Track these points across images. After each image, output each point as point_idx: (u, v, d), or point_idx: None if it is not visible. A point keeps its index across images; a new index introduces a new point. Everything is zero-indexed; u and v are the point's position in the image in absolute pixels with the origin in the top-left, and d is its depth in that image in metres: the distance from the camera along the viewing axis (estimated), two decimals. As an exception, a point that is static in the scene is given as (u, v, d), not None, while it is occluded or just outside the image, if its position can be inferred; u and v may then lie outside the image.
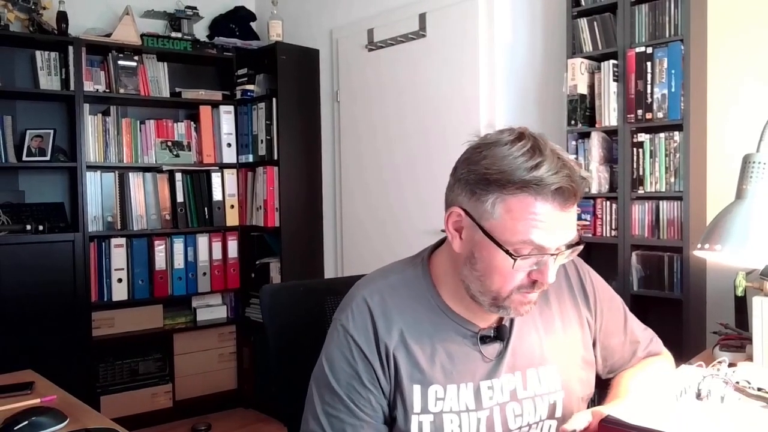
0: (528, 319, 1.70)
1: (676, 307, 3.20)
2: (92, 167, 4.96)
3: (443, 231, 1.62)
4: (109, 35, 5.04)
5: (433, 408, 1.60)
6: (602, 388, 1.92)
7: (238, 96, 5.51)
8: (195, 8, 5.48)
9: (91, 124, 4.95)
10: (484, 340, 1.66)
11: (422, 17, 4.51)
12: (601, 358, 1.87)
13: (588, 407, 1.72)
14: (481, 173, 1.48)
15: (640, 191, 3.32)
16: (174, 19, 5.43)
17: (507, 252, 1.46)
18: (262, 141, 5.33)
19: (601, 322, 1.86)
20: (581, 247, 1.54)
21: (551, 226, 1.46)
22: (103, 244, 5.00)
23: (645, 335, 1.99)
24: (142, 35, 5.16)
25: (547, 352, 1.73)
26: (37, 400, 2.37)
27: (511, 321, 1.69)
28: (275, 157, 5.20)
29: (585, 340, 1.81)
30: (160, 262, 5.21)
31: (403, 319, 1.62)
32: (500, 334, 1.67)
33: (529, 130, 1.52)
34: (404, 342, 1.61)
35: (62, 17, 4.84)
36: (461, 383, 1.63)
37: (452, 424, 1.61)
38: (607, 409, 1.49)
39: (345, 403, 1.59)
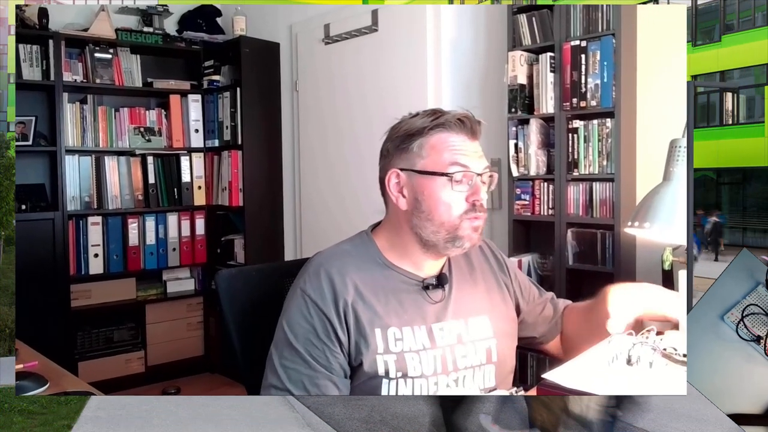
0: (463, 275, 1.90)
1: (608, 280, 3.17)
2: (71, 151, 4.90)
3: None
4: (86, 30, 4.97)
5: (394, 348, 1.71)
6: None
7: (205, 86, 5.47)
8: (165, 5, 5.43)
9: (69, 112, 4.90)
10: (428, 287, 1.80)
11: (374, 13, 4.45)
12: (531, 318, 2.07)
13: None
14: (402, 133, 1.77)
15: (575, 173, 3.33)
16: (146, 15, 5.37)
17: (444, 174, 1.70)
18: (227, 127, 5.31)
19: (517, 283, 2.05)
20: (496, 173, 1.80)
21: (468, 151, 1.72)
22: (81, 222, 4.95)
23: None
24: (117, 30, 5.08)
25: (480, 304, 1.89)
26: (20, 366, 2.37)
27: (450, 273, 1.86)
28: (239, 142, 5.18)
29: (506, 300, 1.98)
30: (133, 238, 5.16)
31: (357, 276, 1.75)
32: (441, 281, 1.82)
33: None
34: (360, 294, 1.72)
35: (43, 13, 4.78)
36: (414, 325, 1.75)
37: (413, 361, 1.72)
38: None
39: (302, 356, 1.68)
